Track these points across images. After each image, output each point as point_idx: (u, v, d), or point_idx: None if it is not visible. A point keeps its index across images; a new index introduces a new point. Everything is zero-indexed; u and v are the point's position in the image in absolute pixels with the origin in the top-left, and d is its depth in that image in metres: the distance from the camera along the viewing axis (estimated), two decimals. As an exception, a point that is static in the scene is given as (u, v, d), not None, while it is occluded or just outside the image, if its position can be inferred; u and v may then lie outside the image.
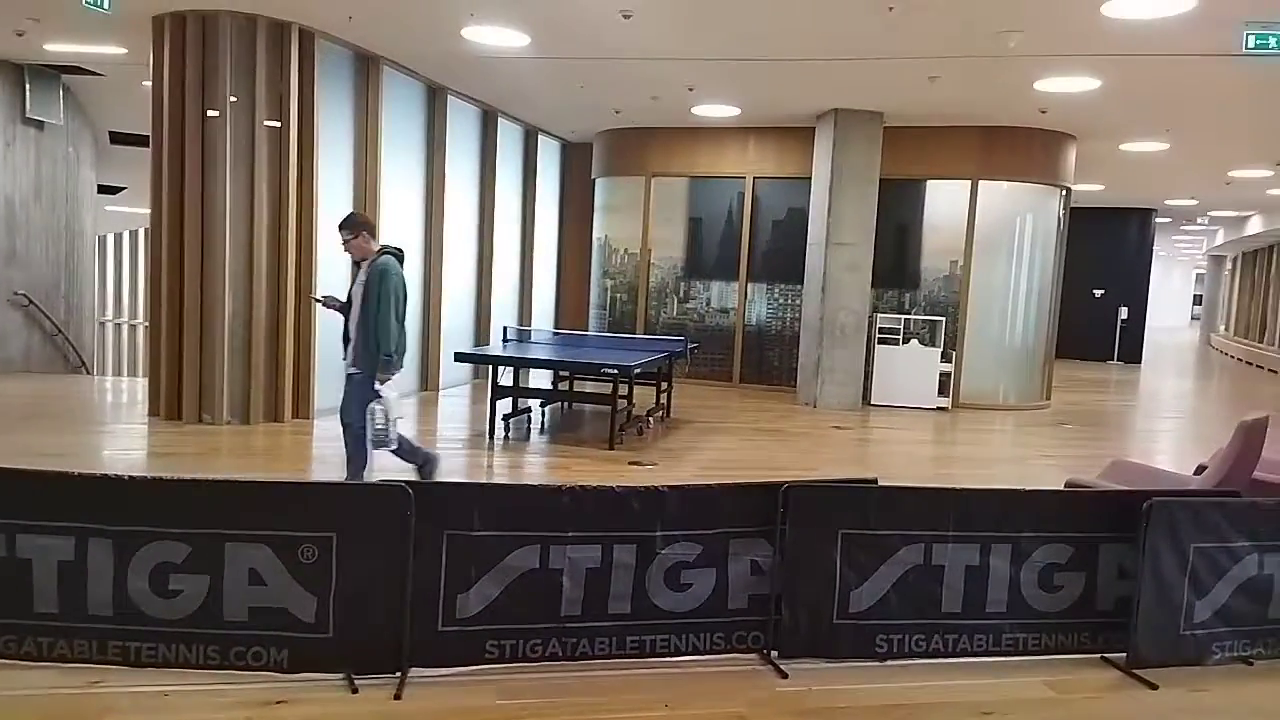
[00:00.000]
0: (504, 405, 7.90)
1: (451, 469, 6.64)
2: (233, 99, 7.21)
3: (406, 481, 3.08)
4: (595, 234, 12.46)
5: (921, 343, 10.62)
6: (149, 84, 7.50)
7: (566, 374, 8.42)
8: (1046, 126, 10.21)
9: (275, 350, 7.65)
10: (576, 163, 13.03)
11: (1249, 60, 6.76)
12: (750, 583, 3.39)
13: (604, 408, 7.60)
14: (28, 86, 9.45)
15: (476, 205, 10.86)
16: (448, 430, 8.26)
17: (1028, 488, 3.42)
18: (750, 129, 11.12)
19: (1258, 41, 6.10)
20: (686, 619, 3.34)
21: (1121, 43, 6.66)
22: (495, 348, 8.44)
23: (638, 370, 7.31)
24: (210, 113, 7.22)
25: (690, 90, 8.95)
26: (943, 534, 3.42)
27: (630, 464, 6.87)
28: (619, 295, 12.19)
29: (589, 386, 8.59)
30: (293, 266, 7.66)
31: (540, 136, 12.21)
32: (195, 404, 7.49)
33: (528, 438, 7.84)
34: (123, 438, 7.50)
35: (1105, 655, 3.53)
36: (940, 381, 10.46)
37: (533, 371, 8.57)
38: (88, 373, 11.07)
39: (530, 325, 12.26)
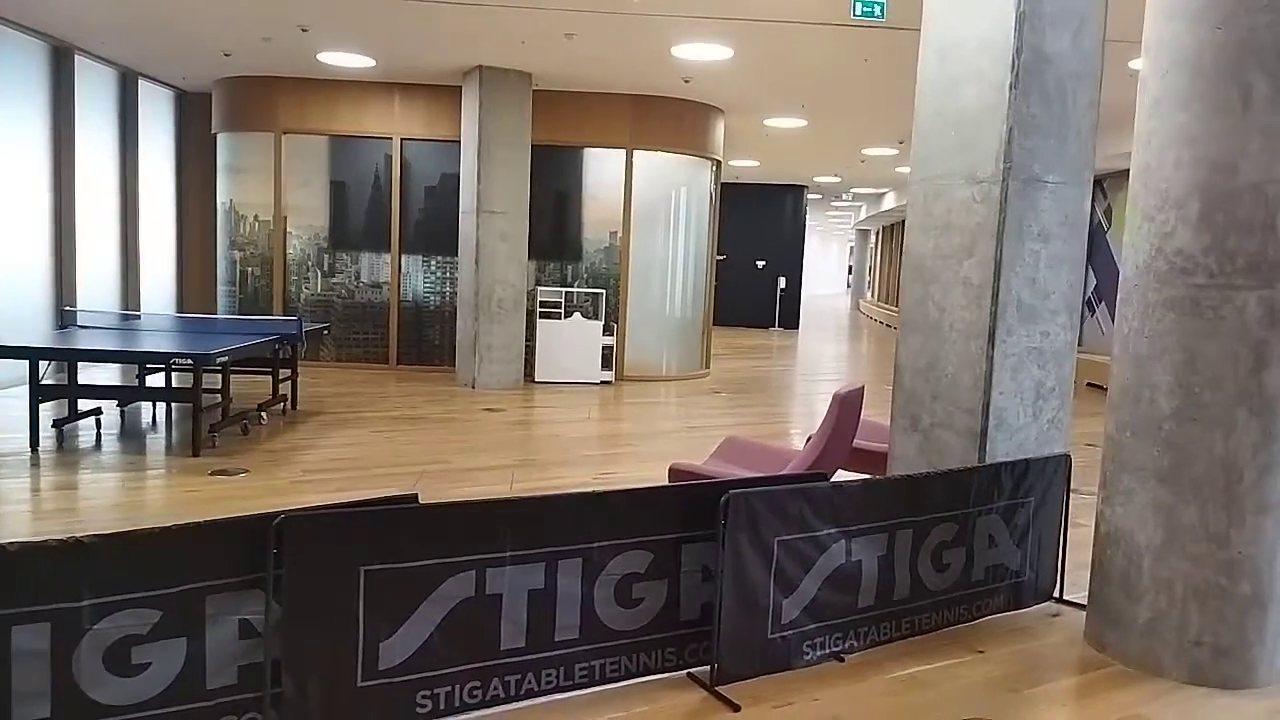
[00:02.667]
0: (55, 410, 6.34)
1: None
2: None
3: None
4: (219, 199, 10.78)
5: (584, 316, 10.25)
6: None
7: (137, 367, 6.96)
8: (695, 98, 10.17)
9: None
10: (196, 116, 11.20)
11: (867, 34, 6.90)
12: (241, 650, 2.53)
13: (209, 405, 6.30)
14: None
15: (49, 165, 8.84)
16: None
17: (601, 489, 2.88)
18: (395, 85, 10.06)
19: (864, 9, 6.13)
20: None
21: (746, 6, 6.49)
22: (30, 337, 6.67)
23: (222, 360, 6.08)
24: None
25: (304, 31, 7.72)
26: (498, 555, 2.77)
27: (214, 473, 5.70)
28: (251, 269, 10.63)
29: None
30: None
31: (142, 82, 10.29)
32: None
33: (95, 447, 6.34)
34: None
35: (691, 672, 3.09)
36: (604, 355, 10.16)
37: (112, 366, 7.00)
38: None
39: (139, 309, 10.37)
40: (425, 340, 10.62)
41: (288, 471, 5.87)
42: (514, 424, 7.96)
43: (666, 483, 3.96)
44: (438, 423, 7.75)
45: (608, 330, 10.23)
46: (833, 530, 3.19)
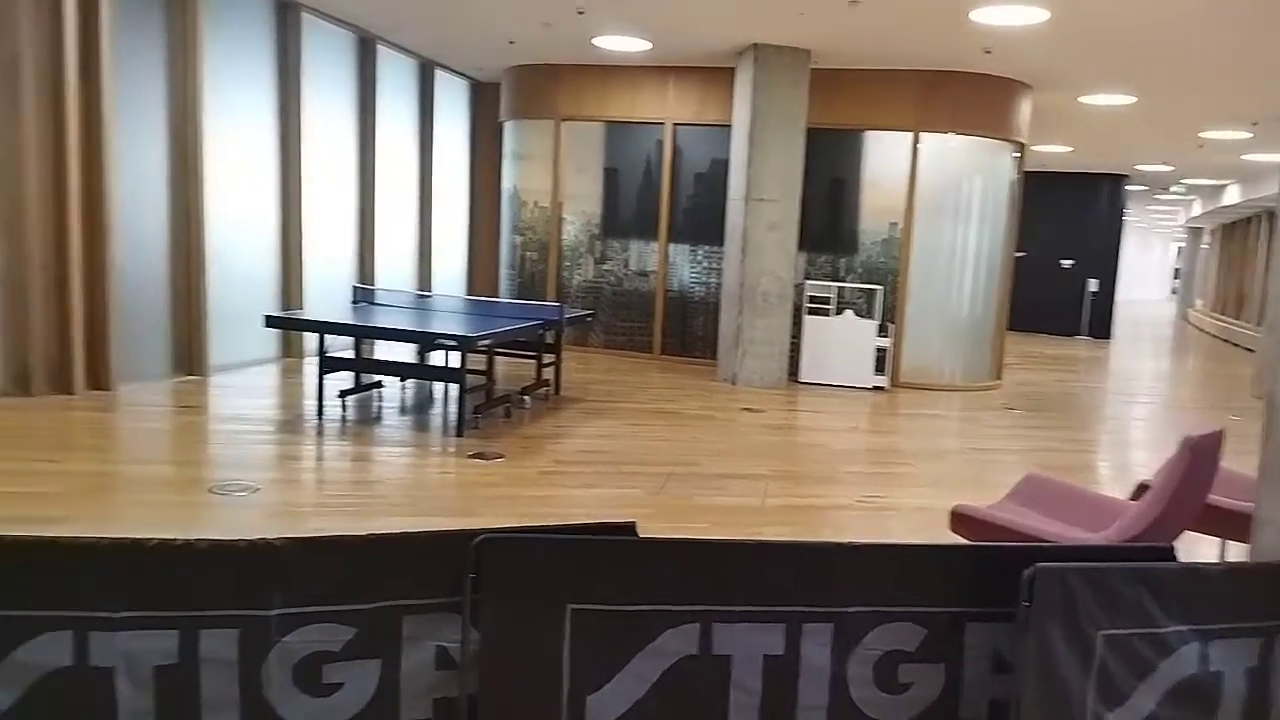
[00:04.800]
0: (341, 382, 6.71)
1: (254, 458, 5.48)
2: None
3: None
4: (504, 184, 11.17)
5: (857, 314, 9.48)
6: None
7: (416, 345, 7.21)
8: (995, 72, 9.00)
9: (60, 308, 6.37)
10: (486, 105, 11.70)
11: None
12: (437, 681, 2.23)
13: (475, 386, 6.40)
14: None
15: (355, 150, 9.54)
16: (249, 410, 6.92)
17: (853, 541, 2.28)
18: (669, 68, 9.82)
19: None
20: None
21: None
22: (328, 313, 7.14)
23: (485, 343, 6.09)
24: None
25: (580, 14, 7.64)
26: (728, 609, 2.27)
27: (472, 456, 5.70)
28: (529, 254, 10.93)
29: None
30: (76, 208, 6.34)
31: (439, 72, 10.87)
32: (-38, 373, 6.22)
33: (370, 419, 6.64)
34: None
35: (972, 788, 2.41)
36: (878, 358, 9.33)
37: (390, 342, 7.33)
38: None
39: (431, 290, 11.01)
40: (689, 331, 10.35)
41: (539, 460, 5.76)
42: (773, 428, 7.43)
43: (948, 529, 3.26)
44: (693, 419, 7.40)
45: (883, 330, 9.37)
46: (1182, 628, 2.36)
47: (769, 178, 8.73)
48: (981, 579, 2.35)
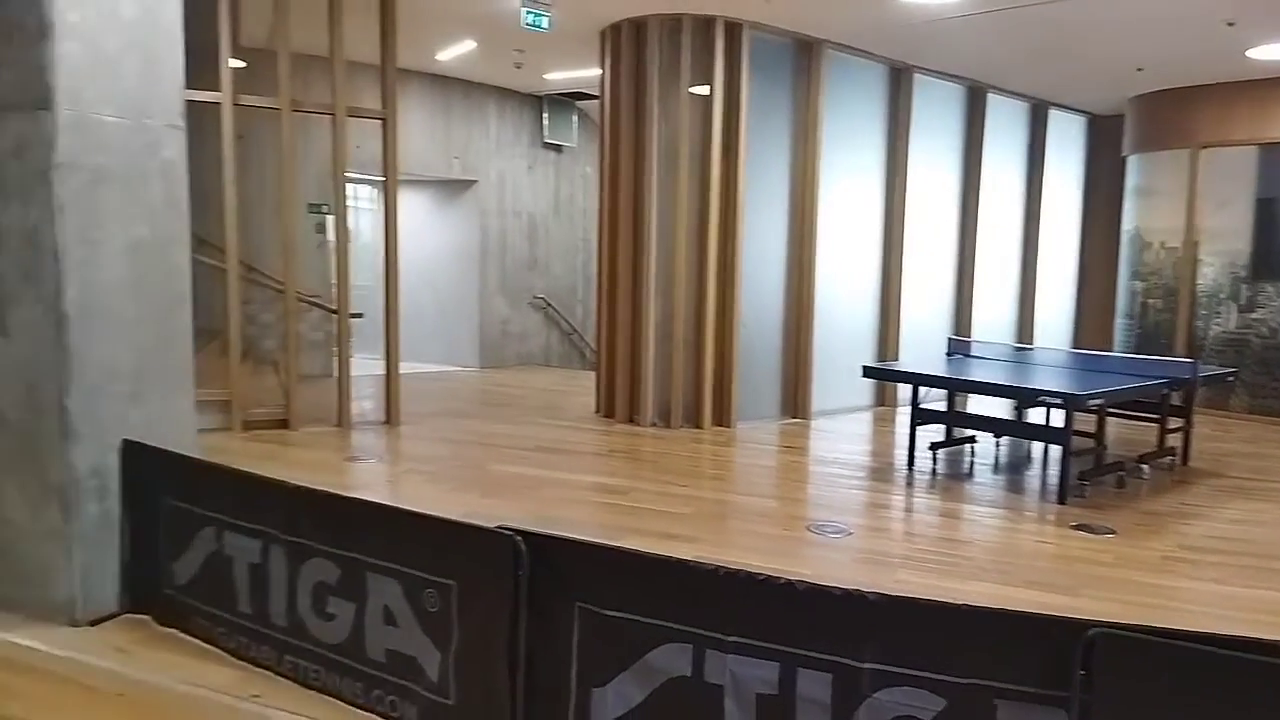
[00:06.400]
0: (933, 434, 6.64)
1: (846, 502, 5.73)
2: (660, 101, 7.19)
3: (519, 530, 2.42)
4: (1124, 225, 10.04)
5: None
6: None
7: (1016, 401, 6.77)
8: None
9: (696, 354, 7.46)
10: (1104, 140, 10.68)
11: None
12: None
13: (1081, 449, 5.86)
14: (545, 115, 10.77)
15: (958, 198, 9.47)
16: (844, 455, 7.11)
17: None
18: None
19: None
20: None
21: None
22: (917, 364, 7.09)
23: (1096, 402, 5.46)
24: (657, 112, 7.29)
25: (1230, 26, 6.51)
26: None
27: (1075, 527, 5.15)
28: (1152, 302, 9.64)
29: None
30: (713, 267, 7.38)
31: (1052, 111, 10.23)
32: (627, 404, 7.65)
33: (961, 474, 6.45)
34: (548, 429, 7.59)
35: None
36: None
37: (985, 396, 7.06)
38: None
39: (1032, 341, 10.37)
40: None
41: (1161, 542, 4.96)
42: None
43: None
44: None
45: None
46: None
47: None
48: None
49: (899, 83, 8.59)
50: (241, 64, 6.71)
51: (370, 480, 5.96)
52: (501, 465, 6.33)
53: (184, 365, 3.53)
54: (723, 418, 7.56)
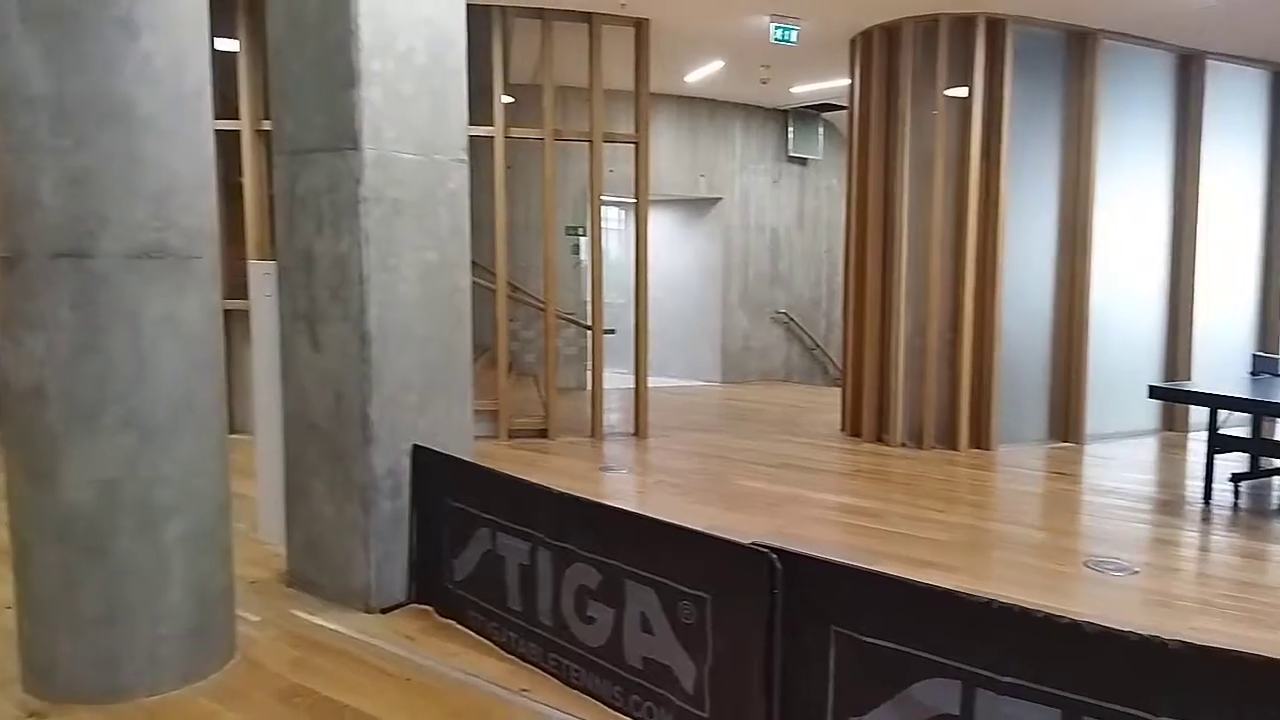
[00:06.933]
0: (1233, 463, 5.86)
1: (1129, 536, 5.20)
2: (912, 106, 6.92)
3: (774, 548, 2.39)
4: None
5: None
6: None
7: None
8: None
9: (952, 370, 7.08)
10: None
11: None
12: None
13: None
14: (790, 129, 10.72)
15: (1262, 203, 8.33)
16: (1126, 484, 6.41)
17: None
18: None
19: None
20: None
21: None
22: (1215, 384, 6.23)
23: None
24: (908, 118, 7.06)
25: None
26: None
27: None
28: None
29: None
30: (971, 277, 6.98)
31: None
32: (874, 422, 7.41)
33: (1269, 511, 5.64)
34: (791, 445, 7.49)
35: None
36: None
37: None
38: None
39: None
40: None
41: None
42: None
43: None
44: None
45: None
46: None
47: None
48: None
49: (1188, 71, 7.72)
50: (510, 99, 7.24)
51: (622, 489, 6.19)
52: (745, 480, 6.34)
53: (465, 378, 3.85)
54: (981, 439, 7.11)
